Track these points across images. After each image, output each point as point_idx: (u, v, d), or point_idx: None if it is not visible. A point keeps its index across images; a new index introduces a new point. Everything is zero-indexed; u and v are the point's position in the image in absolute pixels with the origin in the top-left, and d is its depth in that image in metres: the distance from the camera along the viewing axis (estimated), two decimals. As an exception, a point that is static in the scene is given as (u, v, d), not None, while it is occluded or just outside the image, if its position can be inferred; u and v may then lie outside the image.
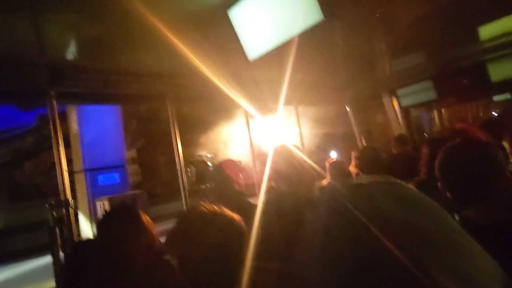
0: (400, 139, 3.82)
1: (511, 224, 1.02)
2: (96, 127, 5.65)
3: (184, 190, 3.14)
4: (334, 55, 4.01)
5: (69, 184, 2.51)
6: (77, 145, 5.60)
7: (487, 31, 4.16)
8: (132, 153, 12.40)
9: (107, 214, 1.51)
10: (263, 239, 1.80)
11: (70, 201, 2.45)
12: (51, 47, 2.57)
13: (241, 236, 1.14)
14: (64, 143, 2.62)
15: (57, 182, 2.32)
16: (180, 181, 3.19)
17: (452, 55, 4.47)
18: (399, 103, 5.14)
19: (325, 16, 2.30)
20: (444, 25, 3.77)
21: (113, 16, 2.68)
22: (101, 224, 1.48)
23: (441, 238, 0.38)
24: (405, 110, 5.20)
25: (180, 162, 3.17)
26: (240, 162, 2.84)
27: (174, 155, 3.06)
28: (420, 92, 5.04)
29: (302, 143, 4.24)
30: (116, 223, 1.44)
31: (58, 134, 2.51)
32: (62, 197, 2.44)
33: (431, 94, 4.99)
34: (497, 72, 4.66)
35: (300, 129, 4.20)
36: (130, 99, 3.09)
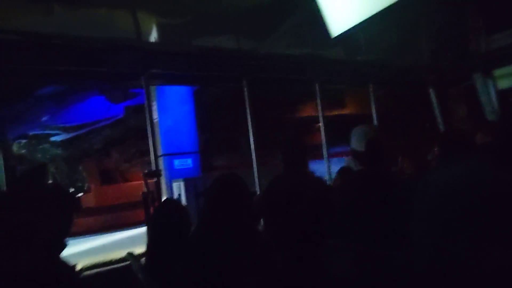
0: (483, 126, 3.29)
1: None
2: (173, 116, 6.07)
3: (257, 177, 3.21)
4: (416, 32, 3.64)
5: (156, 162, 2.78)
6: (157, 132, 6.08)
7: None
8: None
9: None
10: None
11: (160, 171, 2.76)
12: (145, 34, 2.79)
13: None
14: (147, 131, 2.90)
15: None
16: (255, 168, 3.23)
17: None
18: (496, 86, 4.45)
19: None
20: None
21: (194, 2, 2.79)
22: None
23: None
24: (503, 94, 4.49)
25: (254, 149, 3.19)
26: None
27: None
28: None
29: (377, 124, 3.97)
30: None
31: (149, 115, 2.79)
32: (154, 169, 2.72)
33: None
34: None
35: (374, 110, 3.91)
36: (209, 80, 3.25)
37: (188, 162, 5.92)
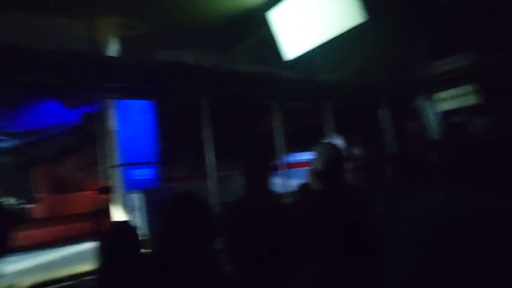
0: (433, 146, 3.62)
1: None
2: (132, 125, 5.90)
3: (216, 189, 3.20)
4: (370, 55, 3.92)
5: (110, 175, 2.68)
6: (114, 141, 5.87)
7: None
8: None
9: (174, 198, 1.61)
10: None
11: (113, 187, 2.66)
12: (102, 46, 2.73)
13: None
14: (104, 139, 2.81)
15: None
16: (213, 180, 3.23)
17: (500, 58, 4.20)
18: (437, 108, 4.91)
19: (368, 17, 2.24)
20: (495, 25, 3.56)
21: (156, 15, 2.80)
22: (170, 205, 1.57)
23: None
24: (443, 115, 4.96)
25: (213, 162, 3.21)
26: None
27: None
28: (461, 97, 4.79)
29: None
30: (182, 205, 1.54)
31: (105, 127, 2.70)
32: (107, 184, 2.62)
33: (473, 99, 4.73)
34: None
35: (330, 127, 4.13)
36: (168, 95, 3.23)
37: (148, 172, 5.77)
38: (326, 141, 2.31)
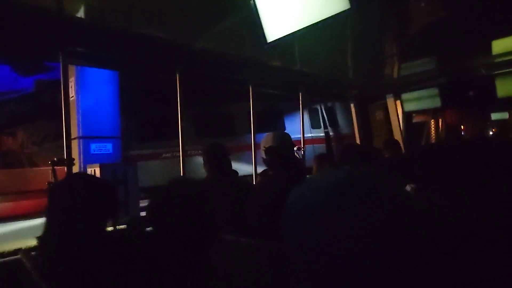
0: (388, 143, 3.81)
1: None
2: (94, 95, 5.56)
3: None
4: (344, 50, 3.97)
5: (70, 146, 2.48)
6: (74, 112, 5.51)
7: (500, 45, 4.13)
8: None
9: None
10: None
11: (72, 160, 2.42)
12: (69, 8, 2.46)
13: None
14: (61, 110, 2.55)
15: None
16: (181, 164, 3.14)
17: (462, 65, 4.45)
18: (402, 107, 5.13)
19: (351, 5, 2.22)
20: (458, 34, 3.73)
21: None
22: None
23: None
24: (407, 115, 5.19)
25: (182, 142, 3.10)
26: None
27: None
28: (425, 99, 5.03)
29: (303, 131, 4.24)
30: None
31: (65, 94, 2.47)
32: (66, 156, 2.40)
33: (436, 102, 4.98)
34: (505, 88, 4.65)
35: (302, 117, 4.19)
36: (138, 67, 3.02)
37: (108, 147, 5.47)
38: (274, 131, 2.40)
